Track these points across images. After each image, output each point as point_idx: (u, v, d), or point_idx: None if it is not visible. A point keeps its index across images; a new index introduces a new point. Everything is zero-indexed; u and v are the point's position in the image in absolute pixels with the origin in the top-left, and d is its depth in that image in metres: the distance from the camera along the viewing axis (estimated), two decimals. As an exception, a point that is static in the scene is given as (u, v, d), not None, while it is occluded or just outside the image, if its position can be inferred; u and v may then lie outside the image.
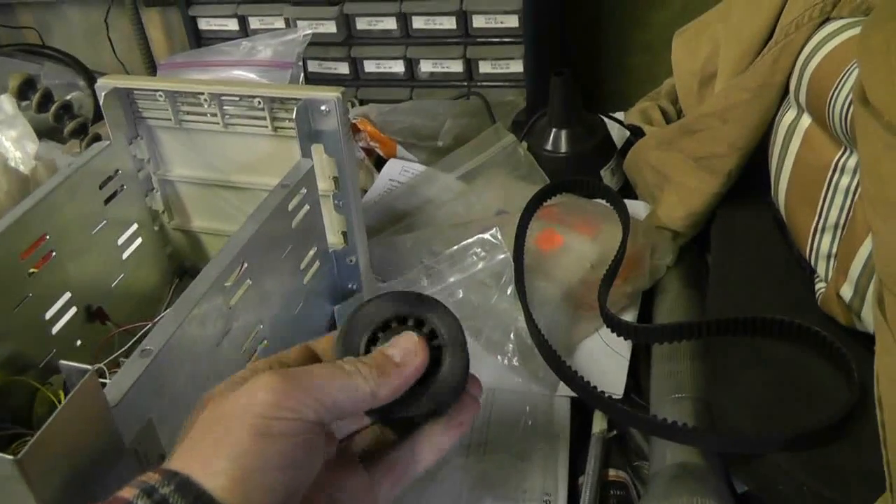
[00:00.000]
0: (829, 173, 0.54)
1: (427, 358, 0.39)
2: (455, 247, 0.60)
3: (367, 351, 0.40)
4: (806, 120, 0.58)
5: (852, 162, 0.52)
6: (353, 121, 0.86)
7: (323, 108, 0.59)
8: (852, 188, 0.53)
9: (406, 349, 0.39)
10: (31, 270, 0.57)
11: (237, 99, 0.64)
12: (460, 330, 0.40)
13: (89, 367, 0.38)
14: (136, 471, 0.44)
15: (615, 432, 0.59)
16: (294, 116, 0.59)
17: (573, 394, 0.58)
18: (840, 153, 0.54)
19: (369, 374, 0.37)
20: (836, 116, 0.51)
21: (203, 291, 0.48)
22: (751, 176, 0.68)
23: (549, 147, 0.79)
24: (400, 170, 0.82)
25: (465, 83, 0.93)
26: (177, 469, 0.33)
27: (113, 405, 0.41)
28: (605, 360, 0.62)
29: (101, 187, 0.64)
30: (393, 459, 0.40)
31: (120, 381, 0.42)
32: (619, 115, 0.89)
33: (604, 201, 0.71)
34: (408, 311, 0.41)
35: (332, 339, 0.43)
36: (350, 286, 0.67)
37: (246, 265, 0.53)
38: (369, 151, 0.86)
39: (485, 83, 0.94)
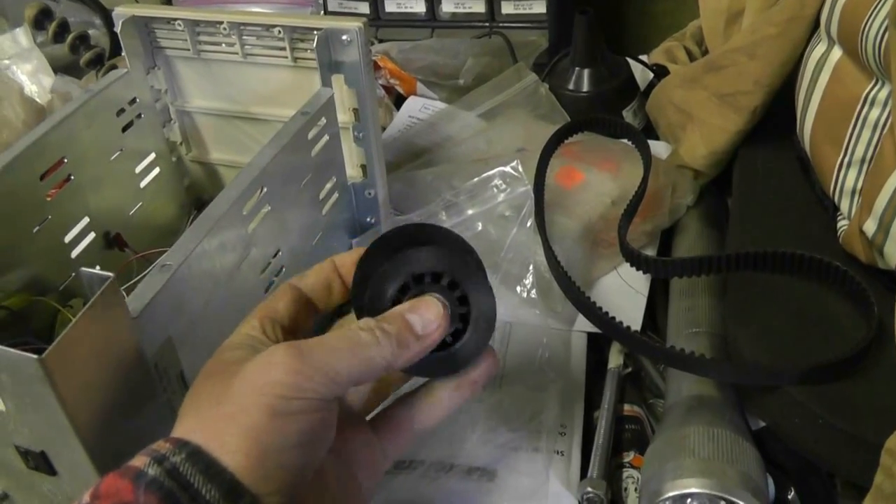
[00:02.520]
0: (859, 107, 0.53)
1: (447, 329, 0.38)
2: (475, 179, 0.60)
3: (393, 301, 0.39)
4: (836, 53, 0.56)
5: (883, 94, 0.51)
6: (374, 58, 0.85)
7: (344, 38, 0.59)
8: (881, 122, 0.52)
9: (428, 320, 0.37)
10: (50, 193, 0.58)
11: (257, 29, 0.63)
12: (493, 308, 0.38)
13: (110, 273, 0.38)
14: (157, 387, 0.45)
15: (630, 369, 0.60)
16: (314, 46, 0.58)
17: (590, 329, 0.58)
18: (871, 86, 0.52)
19: (388, 345, 0.36)
20: (870, 45, 0.50)
21: (223, 211, 0.48)
22: (775, 116, 0.67)
23: (571, 87, 0.78)
24: (420, 107, 0.81)
25: (487, 24, 0.92)
26: (187, 438, 0.33)
27: (134, 316, 0.41)
28: (622, 296, 0.62)
29: (118, 115, 0.64)
30: (399, 417, 0.40)
31: (141, 294, 0.42)
32: (644, 58, 0.88)
33: (625, 140, 0.70)
34: (447, 269, 0.38)
35: (321, 274, 0.42)
36: (368, 219, 0.67)
37: (265, 190, 0.53)
38: (389, 89, 0.86)
39: (507, 24, 0.93)
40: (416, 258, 0.39)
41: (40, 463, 0.40)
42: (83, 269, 0.39)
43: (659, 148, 0.74)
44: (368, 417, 0.42)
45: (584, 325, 0.59)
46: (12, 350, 0.35)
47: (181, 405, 0.37)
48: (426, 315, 0.37)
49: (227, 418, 0.33)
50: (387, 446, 0.40)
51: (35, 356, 0.34)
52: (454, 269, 0.38)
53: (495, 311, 0.38)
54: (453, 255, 0.39)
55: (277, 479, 0.33)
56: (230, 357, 0.37)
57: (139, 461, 0.32)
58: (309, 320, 0.42)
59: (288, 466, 0.33)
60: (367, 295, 0.39)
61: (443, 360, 0.39)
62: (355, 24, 0.58)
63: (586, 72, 0.77)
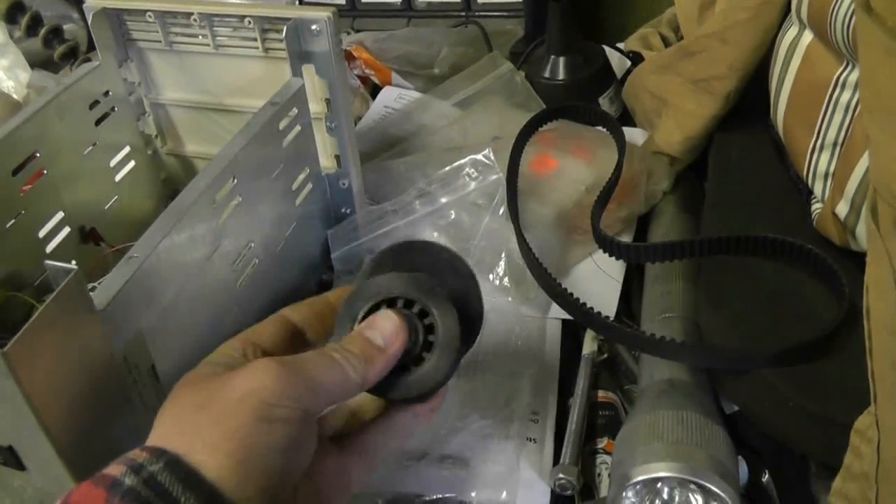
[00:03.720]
0: (830, 90, 0.54)
1: (407, 339, 0.39)
2: (447, 168, 0.60)
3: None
4: (807, 36, 0.56)
5: (854, 76, 0.51)
6: (348, 48, 0.85)
7: (314, 27, 0.58)
8: (852, 104, 0.52)
9: (388, 331, 0.39)
10: (24, 188, 0.57)
11: (228, 19, 0.63)
12: (456, 336, 0.40)
13: (74, 266, 0.38)
14: (127, 381, 0.44)
15: (606, 356, 0.60)
16: (284, 36, 0.58)
17: (565, 316, 0.59)
18: (841, 68, 0.53)
19: (357, 364, 0.38)
20: (839, 28, 0.50)
21: (191, 201, 0.48)
22: (750, 101, 0.67)
23: (546, 75, 0.78)
24: (395, 97, 0.81)
25: (463, 13, 0.92)
26: (165, 446, 0.33)
27: (100, 308, 0.41)
28: (597, 283, 0.62)
29: (90, 108, 0.64)
30: (363, 442, 0.41)
31: (107, 287, 0.42)
32: (621, 45, 0.87)
33: (601, 128, 0.70)
34: (416, 296, 0.40)
35: (314, 306, 0.44)
36: (343, 210, 0.67)
37: (236, 181, 0.52)
38: (365, 80, 0.85)
39: (483, 13, 0.92)
40: (388, 283, 0.41)
41: (8, 458, 0.40)
42: (48, 261, 0.39)
43: (635, 135, 0.74)
44: (334, 440, 0.43)
45: (558, 312, 0.59)
46: (-25, 344, 0.35)
47: (158, 413, 0.37)
48: (384, 328, 0.39)
49: (210, 422, 0.34)
50: (352, 470, 0.40)
51: (-3, 348, 0.34)
52: (422, 296, 0.40)
53: (458, 339, 0.40)
54: (424, 282, 0.41)
55: (258, 484, 0.33)
56: (210, 371, 0.38)
57: (115, 469, 0.32)
58: (299, 350, 0.43)
59: (270, 472, 0.34)
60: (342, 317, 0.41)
61: (410, 384, 0.40)
62: (324, 14, 0.58)
63: (562, 60, 0.77)
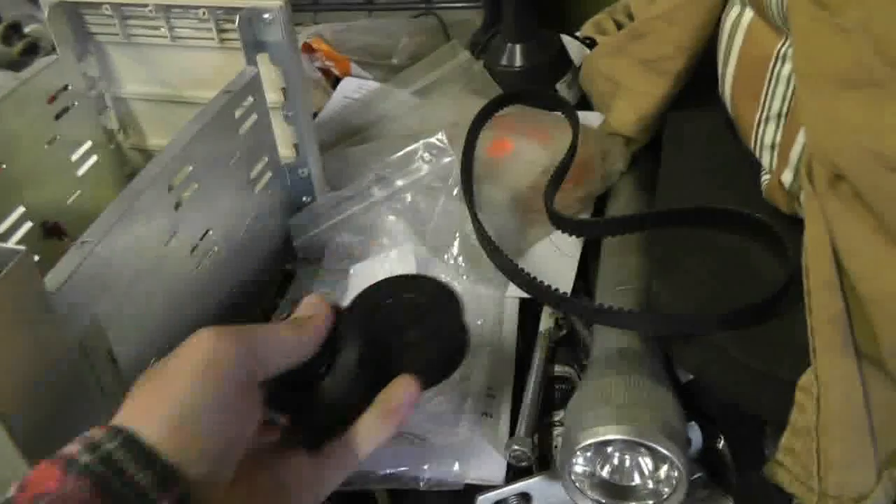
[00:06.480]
0: (772, 64, 0.55)
1: (329, 311, 0.42)
2: (402, 152, 0.61)
3: None
4: (748, 14, 0.58)
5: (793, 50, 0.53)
6: (307, 40, 0.86)
7: (266, 16, 0.59)
8: (793, 76, 0.53)
9: (311, 304, 0.43)
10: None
11: (182, 11, 0.63)
12: (352, 360, 0.42)
13: (22, 247, 0.38)
14: (84, 366, 0.45)
15: (564, 332, 0.61)
16: (237, 26, 0.59)
17: (523, 295, 0.59)
18: (781, 42, 0.54)
19: (289, 326, 0.41)
20: (773, 3, 0.51)
21: (144, 186, 0.48)
22: (702, 81, 0.68)
23: (504, 62, 0.79)
24: (355, 87, 0.81)
25: (423, 5, 0.93)
26: (122, 425, 0.33)
27: (52, 291, 0.41)
28: (555, 262, 0.63)
29: (49, 103, 0.64)
30: (333, 449, 0.42)
31: (59, 270, 0.43)
32: (578, 33, 0.89)
33: (556, 111, 0.71)
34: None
35: None
36: (304, 199, 0.68)
37: (192, 168, 0.53)
38: (326, 71, 0.86)
39: (443, 5, 0.93)
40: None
41: (-38, 445, 0.40)
42: (-6, 245, 0.39)
43: (593, 118, 0.75)
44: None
45: (516, 291, 0.60)
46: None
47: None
48: (308, 303, 0.43)
49: (153, 391, 0.35)
50: (323, 472, 0.41)
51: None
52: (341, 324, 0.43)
53: (355, 364, 0.42)
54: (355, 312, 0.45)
55: (196, 447, 0.33)
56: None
57: (72, 448, 0.32)
58: None
59: (207, 434, 0.34)
60: None
61: (310, 400, 0.41)
62: (277, 3, 0.59)
63: (518, 47, 0.78)
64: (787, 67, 0.54)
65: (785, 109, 0.55)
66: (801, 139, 0.51)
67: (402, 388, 0.42)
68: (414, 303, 0.47)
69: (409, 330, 0.45)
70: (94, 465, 0.31)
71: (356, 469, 0.42)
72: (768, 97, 0.56)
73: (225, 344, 0.36)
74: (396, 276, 0.48)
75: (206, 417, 0.34)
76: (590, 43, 0.82)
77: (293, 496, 0.40)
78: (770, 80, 0.55)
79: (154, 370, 0.36)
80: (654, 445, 0.43)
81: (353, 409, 0.42)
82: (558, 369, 0.57)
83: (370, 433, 0.42)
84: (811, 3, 0.44)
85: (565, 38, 0.83)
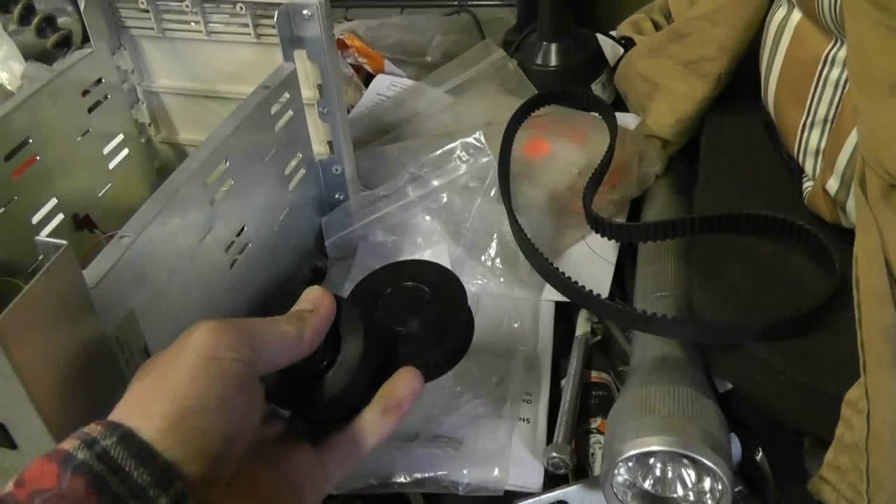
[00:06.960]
0: (819, 67, 0.54)
1: (332, 301, 0.41)
2: (438, 151, 0.60)
3: None
4: (796, 15, 0.57)
5: (842, 53, 0.51)
6: (341, 36, 0.85)
7: (305, 12, 0.59)
8: (842, 81, 0.52)
9: (314, 295, 0.42)
10: (16, 174, 0.57)
11: (220, 5, 0.63)
12: (357, 354, 0.41)
13: (65, 242, 0.38)
14: (119, 360, 0.44)
15: (600, 337, 0.60)
16: (275, 21, 0.58)
17: (558, 298, 0.59)
18: (830, 45, 0.53)
19: (292, 320, 0.40)
20: (826, 5, 0.50)
21: (182, 182, 0.48)
22: (742, 83, 0.67)
23: (539, 61, 0.78)
24: (388, 84, 0.81)
25: (456, 2, 0.92)
26: (118, 420, 0.32)
27: (91, 286, 0.41)
28: (590, 265, 0.62)
29: (83, 95, 0.64)
30: (337, 442, 0.41)
31: (98, 265, 0.42)
32: (614, 33, 0.88)
33: (593, 112, 0.70)
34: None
35: None
36: (337, 196, 0.67)
37: (228, 164, 0.53)
38: (358, 68, 0.85)
39: (476, 2, 0.92)
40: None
41: (0, 436, 0.40)
42: (38, 238, 0.39)
43: (628, 120, 0.74)
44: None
45: (551, 294, 0.59)
46: (-36, 319, 0.35)
47: None
48: (309, 294, 0.42)
49: (150, 387, 0.34)
50: (328, 468, 0.41)
51: (-15, 321, 0.34)
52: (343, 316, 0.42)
53: (359, 356, 0.41)
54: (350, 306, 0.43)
55: (195, 444, 0.33)
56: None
57: (69, 444, 0.31)
58: None
59: (206, 431, 0.33)
60: None
61: (313, 395, 0.41)
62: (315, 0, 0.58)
63: (553, 46, 0.77)
64: (836, 71, 0.53)
65: (832, 115, 0.54)
66: (848, 146, 0.50)
67: (404, 381, 0.42)
68: (415, 291, 0.46)
69: (411, 321, 0.44)
70: (91, 462, 0.31)
71: (359, 462, 0.41)
72: (814, 101, 0.55)
73: (225, 338, 0.35)
74: (395, 263, 0.48)
75: (206, 414, 0.33)
76: (626, 43, 0.81)
77: (296, 490, 0.39)
78: (817, 83, 0.54)
79: (153, 364, 0.36)
80: (699, 457, 0.42)
81: (355, 403, 0.41)
82: (594, 375, 0.56)
83: (374, 427, 0.41)
84: (869, 4, 0.43)
85: (600, 38, 0.82)
